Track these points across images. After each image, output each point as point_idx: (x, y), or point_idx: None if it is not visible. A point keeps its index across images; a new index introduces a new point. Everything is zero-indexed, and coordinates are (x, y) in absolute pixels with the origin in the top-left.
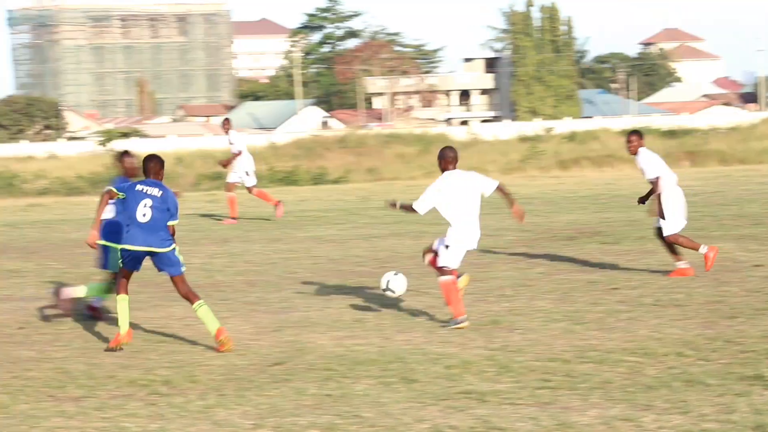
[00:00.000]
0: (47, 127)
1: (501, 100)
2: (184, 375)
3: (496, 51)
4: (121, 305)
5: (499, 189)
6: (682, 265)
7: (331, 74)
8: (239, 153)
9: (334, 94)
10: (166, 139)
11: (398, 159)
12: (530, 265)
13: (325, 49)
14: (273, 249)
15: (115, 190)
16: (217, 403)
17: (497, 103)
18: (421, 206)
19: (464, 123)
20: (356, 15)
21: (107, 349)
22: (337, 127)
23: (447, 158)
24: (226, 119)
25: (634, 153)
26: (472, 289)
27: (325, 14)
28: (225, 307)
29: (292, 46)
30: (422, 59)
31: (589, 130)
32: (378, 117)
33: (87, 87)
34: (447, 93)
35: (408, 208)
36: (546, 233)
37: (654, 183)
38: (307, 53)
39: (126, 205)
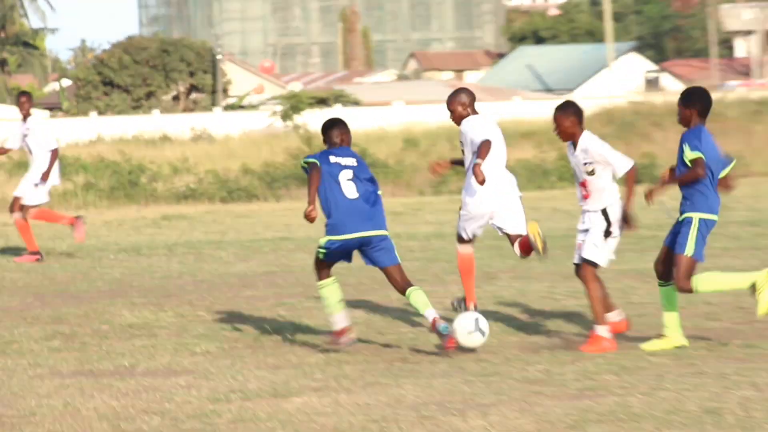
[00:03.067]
0: (194, 89)
1: None
2: None
3: None
4: None
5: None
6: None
7: (663, 2)
8: (55, 152)
9: (667, 35)
10: (390, 108)
11: None
12: None
13: None
14: (565, 290)
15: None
16: None
17: None
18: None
19: None
20: None
21: None
22: (673, 88)
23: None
24: (24, 95)
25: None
26: None
27: None
28: (490, 387)
29: None
30: None
31: None
32: (742, 72)
33: (259, 24)
34: None
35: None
36: None
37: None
38: None
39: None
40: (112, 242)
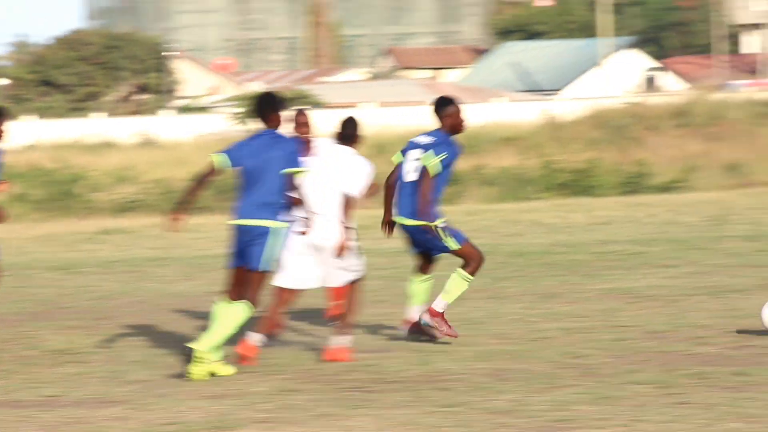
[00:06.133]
0: (141, 90)
1: None
2: None
3: None
4: None
5: None
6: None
7: None
8: None
9: (667, 29)
10: (359, 109)
11: None
12: None
13: None
14: (543, 312)
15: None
16: None
17: None
18: None
19: None
20: None
21: None
22: (672, 88)
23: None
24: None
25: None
26: None
27: None
28: (454, 418)
29: None
30: None
31: None
32: (749, 70)
33: (217, 17)
34: None
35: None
36: None
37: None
38: None
39: None
40: (43, 259)
